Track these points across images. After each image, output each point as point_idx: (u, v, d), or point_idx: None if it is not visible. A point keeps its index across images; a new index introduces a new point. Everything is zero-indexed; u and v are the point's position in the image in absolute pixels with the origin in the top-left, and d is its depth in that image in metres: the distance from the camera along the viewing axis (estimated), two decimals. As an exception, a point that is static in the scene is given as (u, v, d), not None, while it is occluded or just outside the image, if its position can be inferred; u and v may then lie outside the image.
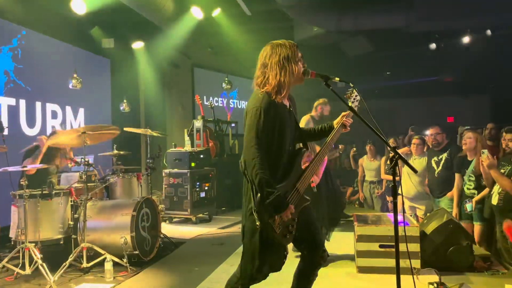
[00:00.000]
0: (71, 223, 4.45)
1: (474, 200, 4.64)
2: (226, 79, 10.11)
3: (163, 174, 7.00)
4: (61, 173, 5.17)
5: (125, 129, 5.63)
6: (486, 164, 4.03)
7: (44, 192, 4.24)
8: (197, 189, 6.91)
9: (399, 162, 2.34)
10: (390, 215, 4.54)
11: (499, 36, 8.51)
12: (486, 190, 4.51)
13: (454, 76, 11.97)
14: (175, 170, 6.91)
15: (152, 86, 9.10)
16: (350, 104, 2.78)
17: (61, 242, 4.38)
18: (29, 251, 3.96)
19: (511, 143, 4.17)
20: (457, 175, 4.96)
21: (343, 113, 2.74)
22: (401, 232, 2.46)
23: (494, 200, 4.16)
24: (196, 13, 7.06)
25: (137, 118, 8.85)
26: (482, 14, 6.61)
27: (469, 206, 4.65)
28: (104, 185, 5.16)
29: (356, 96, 2.79)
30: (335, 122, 2.77)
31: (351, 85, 2.74)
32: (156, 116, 9.05)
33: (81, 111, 7.40)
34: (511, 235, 3.78)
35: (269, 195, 2.33)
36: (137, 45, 7.96)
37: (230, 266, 4.33)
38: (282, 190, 2.41)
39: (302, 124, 5.86)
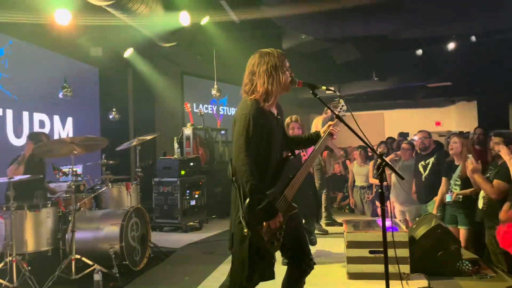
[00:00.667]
0: (60, 234, 4.41)
1: (456, 192, 4.69)
2: (216, 86, 10.12)
3: (153, 183, 6.97)
4: (49, 183, 5.12)
5: (117, 149, 5.62)
6: (470, 169, 4.10)
7: (31, 203, 4.19)
8: (187, 197, 6.89)
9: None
10: (380, 221, 4.57)
11: (485, 42, 8.65)
12: (470, 189, 4.57)
13: (441, 81, 12.12)
14: (165, 178, 6.88)
15: (141, 94, 9.08)
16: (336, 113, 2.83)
17: (49, 254, 4.33)
18: (16, 263, 3.90)
19: (496, 146, 4.23)
20: (444, 180, 5.01)
21: (329, 122, 2.78)
22: (390, 238, 2.48)
23: (480, 204, 4.23)
24: (184, 20, 7.07)
25: (127, 126, 8.80)
26: (467, 20, 6.72)
27: (448, 197, 4.71)
28: (92, 195, 5.12)
29: (342, 106, 2.83)
30: (321, 130, 2.80)
31: (338, 94, 2.78)
32: (145, 124, 9.02)
33: (70, 120, 7.35)
34: (502, 241, 3.81)
35: (260, 201, 2.34)
36: (128, 53, 7.93)
37: (221, 274, 4.30)
38: (270, 197, 2.42)
39: (318, 124, 5.94)
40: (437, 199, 5.05)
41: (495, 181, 4.00)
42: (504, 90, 11.60)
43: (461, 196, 4.70)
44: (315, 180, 6.29)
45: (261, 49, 2.62)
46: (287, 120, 4.83)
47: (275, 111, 2.64)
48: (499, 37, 8.40)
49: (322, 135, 2.76)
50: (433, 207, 5.20)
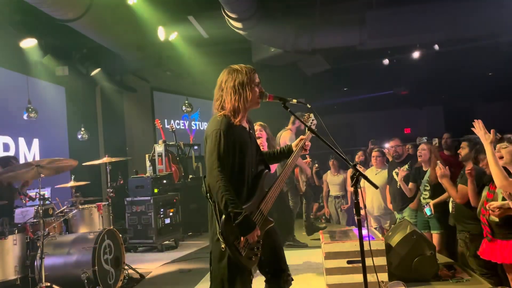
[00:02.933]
0: (28, 261, 4.21)
1: (431, 203, 4.77)
2: (186, 101, 10.05)
3: (125, 203, 6.80)
4: (15, 209, 4.91)
5: (83, 164, 5.46)
6: (438, 174, 4.19)
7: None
8: (162, 216, 6.75)
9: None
10: (356, 230, 4.58)
11: (447, 51, 8.96)
12: (444, 195, 4.66)
13: (408, 89, 12.46)
14: (138, 197, 6.73)
15: (110, 112, 8.91)
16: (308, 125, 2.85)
17: (18, 283, 4.13)
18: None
19: (463, 151, 4.35)
20: (411, 185, 5.12)
21: (301, 136, 2.79)
22: (367, 247, 2.49)
23: (450, 208, 4.33)
24: (161, 35, 7.00)
25: (96, 145, 8.60)
26: (430, 30, 6.95)
27: (428, 210, 4.77)
28: (62, 219, 4.94)
29: (313, 120, 2.86)
30: (293, 144, 2.81)
31: (309, 106, 2.79)
32: (116, 143, 8.84)
33: (36, 142, 7.11)
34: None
35: (237, 216, 2.33)
36: (95, 71, 7.76)
37: (199, 294, 4.22)
38: (246, 212, 2.40)
39: (286, 139, 5.92)
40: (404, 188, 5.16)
41: (459, 186, 4.11)
42: (467, 95, 12.04)
43: (431, 202, 4.80)
44: (289, 198, 6.25)
45: (231, 65, 2.63)
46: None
47: (246, 126, 2.63)
48: (460, 46, 8.74)
49: (294, 149, 2.76)
50: (408, 213, 5.27)
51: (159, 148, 7.65)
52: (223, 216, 2.35)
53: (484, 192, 3.56)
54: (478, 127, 3.21)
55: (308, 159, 6.52)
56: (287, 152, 2.81)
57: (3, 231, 4.06)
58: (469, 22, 6.71)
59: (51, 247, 4.34)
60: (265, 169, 2.68)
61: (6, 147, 6.44)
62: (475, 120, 3.25)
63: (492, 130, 3.21)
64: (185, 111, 10.05)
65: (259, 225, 2.47)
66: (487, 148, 3.15)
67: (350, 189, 7.40)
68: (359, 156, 7.51)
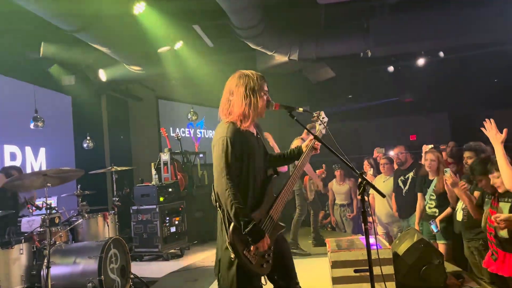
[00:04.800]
0: (34, 271, 4.22)
1: (437, 219, 4.71)
2: (192, 110, 10.08)
3: (131, 211, 6.81)
4: (22, 218, 4.93)
5: (90, 173, 5.48)
6: (449, 182, 4.12)
7: (3, 240, 4.02)
8: (167, 224, 6.74)
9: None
10: (363, 238, 4.55)
11: (452, 57, 8.95)
12: (448, 210, 4.61)
13: (413, 96, 12.44)
14: (143, 206, 6.73)
15: (116, 121, 8.96)
16: (317, 126, 2.85)
17: (24, 292, 4.14)
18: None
19: (469, 161, 4.30)
20: (419, 195, 5.06)
21: (311, 138, 2.76)
22: (374, 255, 2.47)
23: (459, 217, 4.26)
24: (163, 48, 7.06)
25: (102, 154, 8.64)
26: (435, 38, 6.95)
27: (434, 227, 4.68)
28: (68, 228, 4.95)
29: (323, 118, 2.83)
30: (304, 145, 2.79)
31: (314, 115, 2.79)
32: (121, 151, 8.87)
33: (42, 151, 7.15)
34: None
35: (246, 225, 2.31)
36: (100, 75, 7.78)
37: (205, 303, 4.20)
38: (256, 218, 2.39)
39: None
40: (416, 214, 5.08)
41: (476, 193, 4.04)
42: (472, 102, 11.98)
43: (437, 211, 4.74)
44: (296, 204, 6.26)
45: (241, 70, 2.61)
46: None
47: (254, 131, 2.63)
48: (465, 53, 8.73)
49: (304, 150, 2.75)
50: (414, 221, 5.22)
51: (165, 156, 7.66)
52: (232, 225, 2.34)
53: (486, 209, 3.50)
54: (489, 127, 3.16)
55: (323, 169, 6.52)
56: (297, 153, 2.79)
57: (9, 241, 4.07)
58: (474, 28, 6.70)
59: (57, 256, 4.34)
60: (273, 174, 2.67)
61: (13, 156, 6.47)
62: (486, 119, 3.19)
63: (505, 130, 3.16)
64: (190, 119, 10.07)
65: (269, 231, 2.45)
66: (498, 148, 3.09)
67: (358, 196, 7.36)
68: (366, 166, 7.47)
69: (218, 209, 2.46)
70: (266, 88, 2.60)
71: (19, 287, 4.10)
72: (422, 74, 9.90)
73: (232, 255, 2.34)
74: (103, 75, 7.69)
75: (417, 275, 4.03)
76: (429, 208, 4.86)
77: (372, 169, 7.50)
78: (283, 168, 5.90)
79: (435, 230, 4.68)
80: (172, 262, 6.52)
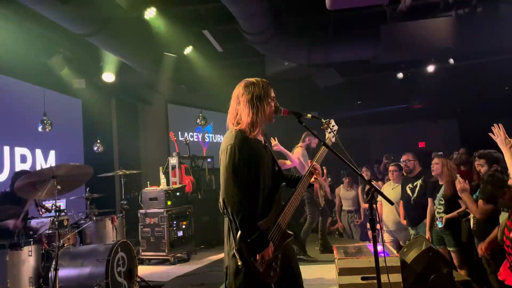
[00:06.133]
0: (43, 272, 4.24)
1: (445, 217, 4.68)
2: (201, 114, 10.12)
3: (139, 215, 6.83)
4: (30, 220, 4.97)
5: (98, 176, 5.51)
6: (458, 188, 4.10)
7: (12, 242, 4.05)
8: (175, 228, 6.75)
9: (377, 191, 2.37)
10: (370, 245, 4.52)
11: (462, 64, 8.90)
12: (458, 210, 4.57)
13: (422, 102, 12.36)
14: (151, 209, 6.76)
15: (125, 124, 9.02)
16: (327, 134, 2.84)
17: (32, 294, 4.16)
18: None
19: (482, 169, 4.26)
20: (430, 200, 5.04)
21: (309, 161, 2.74)
22: (382, 263, 2.45)
23: (471, 224, 4.22)
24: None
25: (111, 157, 8.69)
26: (445, 44, 6.91)
27: (439, 223, 4.71)
28: (76, 231, 4.98)
29: (333, 126, 2.83)
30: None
31: (323, 121, 2.78)
32: (130, 155, 8.92)
33: (52, 153, 7.22)
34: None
35: (252, 233, 2.32)
36: (108, 77, 7.76)
37: (211, 308, 4.19)
38: (263, 226, 2.39)
39: (298, 155, 5.95)
40: (427, 220, 5.05)
41: (480, 201, 4.01)
42: (482, 110, 11.87)
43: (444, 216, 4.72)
44: (307, 213, 6.27)
45: (247, 79, 2.62)
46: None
47: (262, 139, 2.63)
48: (475, 60, 8.68)
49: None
50: (423, 229, 5.18)
51: (173, 160, 7.69)
52: (239, 233, 2.34)
53: (502, 219, 3.46)
54: (497, 132, 3.12)
55: (325, 176, 6.52)
56: (296, 180, 2.75)
57: (18, 242, 4.10)
58: (485, 35, 6.66)
59: (65, 259, 4.37)
60: (281, 182, 2.67)
61: (23, 158, 6.55)
62: (494, 124, 3.16)
63: None
64: (199, 123, 10.11)
65: (277, 240, 2.45)
66: (507, 153, 3.05)
67: (364, 205, 7.33)
68: (364, 171, 7.46)
69: (226, 216, 2.46)
70: (273, 94, 2.60)
71: (27, 289, 4.12)
72: (432, 81, 9.84)
73: (239, 263, 2.34)
74: (110, 77, 7.65)
75: (425, 283, 3.98)
76: (438, 212, 4.84)
77: (368, 172, 7.49)
78: (292, 164, 5.91)
79: (439, 226, 4.66)
80: (178, 266, 6.52)
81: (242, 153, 2.43)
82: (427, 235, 4.94)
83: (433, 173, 4.91)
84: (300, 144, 6.28)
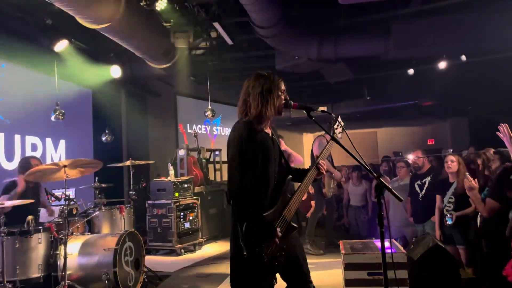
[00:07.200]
0: (51, 260, 4.30)
1: (454, 214, 4.67)
2: (209, 107, 10.13)
3: (147, 205, 6.89)
4: (40, 208, 5.03)
5: (107, 166, 5.55)
6: (466, 186, 4.08)
7: (22, 229, 4.11)
8: (182, 219, 6.81)
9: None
10: (377, 241, 4.52)
11: (474, 61, 8.79)
12: (469, 209, 4.54)
13: (432, 99, 12.25)
14: (159, 200, 6.81)
15: (134, 116, 9.05)
16: (336, 129, 2.84)
17: (41, 281, 4.21)
18: (6, 291, 3.80)
19: (494, 165, 4.23)
20: (438, 197, 5.01)
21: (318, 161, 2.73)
22: (388, 259, 2.45)
23: (478, 223, 4.22)
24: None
25: (120, 148, 8.74)
26: (457, 41, 6.84)
27: (449, 219, 4.68)
28: (85, 219, 5.03)
29: (340, 122, 2.83)
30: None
31: (333, 115, 2.78)
32: (139, 146, 8.97)
33: (62, 143, 7.28)
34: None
35: (257, 224, 2.34)
36: (115, 70, 7.75)
37: (217, 299, 4.23)
38: (269, 218, 2.41)
39: (316, 145, 5.96)
40: (436, 218, 5.02)
41: (487, 200, 3.99)
42: (493, 108, 11.74)
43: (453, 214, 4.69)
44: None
45: (258, 71, 2.63)
46: None
47: (269, 131, 2.63)
48: (487, 57, 8.56)
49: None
50: (431, 226, 5.16)
51: (181, 152, 7.73)
52: (245, 224, 2.36)
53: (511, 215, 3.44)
54: (503, 132, 3.11)
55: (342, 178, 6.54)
56: (302, 173, 2.74)
57: (28, 230, 4.16)
58: (498, 33, 6.57)
59: (74, 247, 4.42)
60: (288, 175, 2.68)
61: (34, 147, 6.61)
62: (501, 124, 3.16)
63: None
64: (207, 116, 10.13)
65: (282, 231, 2.46)
66: None
67: (374, 199, 7.30)
68: (384, 167, 7.44)
69: (232, 206, 2.47)
70: (283, 88, 2.60)
71: (36, 275, 4.19)
72: (443, 78, 9.74)
73: (245, 252, 2.36)
74: (117, 71, 7.64)
75: (431, 281, 3.99)
76: (447, 210, 4.81)
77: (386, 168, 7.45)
78: (299, 161, 5.92)
79: (449, 222, 4.64)
80: (185, 257, 6.59)
81: (249, 146, 2.45)
82: (436, 233, 4.92)
83: (448, 171, 4.85)
84: (318, 136, 6.30)
